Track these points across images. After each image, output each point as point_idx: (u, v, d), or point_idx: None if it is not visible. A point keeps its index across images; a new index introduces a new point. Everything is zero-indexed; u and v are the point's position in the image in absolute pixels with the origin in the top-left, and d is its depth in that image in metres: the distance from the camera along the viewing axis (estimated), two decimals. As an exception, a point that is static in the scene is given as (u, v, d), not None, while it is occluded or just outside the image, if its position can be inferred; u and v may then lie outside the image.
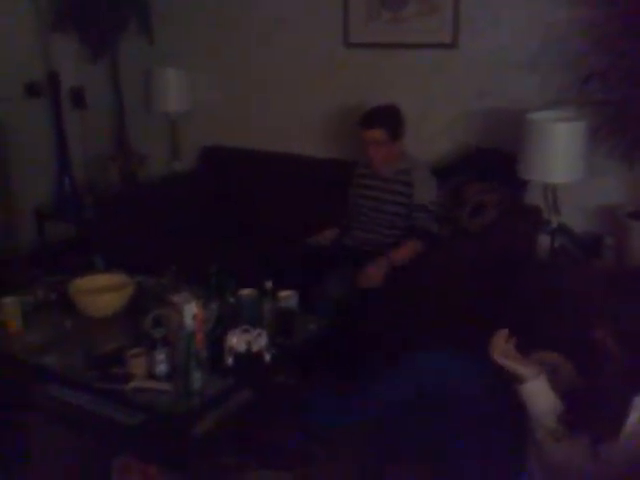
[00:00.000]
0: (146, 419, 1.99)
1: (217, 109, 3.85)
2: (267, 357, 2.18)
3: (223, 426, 2.06)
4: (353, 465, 2.14)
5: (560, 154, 2.62)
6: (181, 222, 3.34)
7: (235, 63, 3.76)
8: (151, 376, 2.08)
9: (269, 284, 2.38)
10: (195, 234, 3.28)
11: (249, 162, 3.61)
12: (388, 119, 2.85)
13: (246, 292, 2.38)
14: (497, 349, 1.73)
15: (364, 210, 3.00)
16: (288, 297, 2.39)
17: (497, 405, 1.80)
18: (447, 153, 3.20)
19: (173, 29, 3.86)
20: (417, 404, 2.02)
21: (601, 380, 1.64)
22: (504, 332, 1.75)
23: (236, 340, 2.15)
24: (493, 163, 2.90)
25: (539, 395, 1.66)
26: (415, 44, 3.24)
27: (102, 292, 2.48)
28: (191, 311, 2.17)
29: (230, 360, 2.14)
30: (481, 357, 1.77)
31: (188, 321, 2.16)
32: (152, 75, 3.84)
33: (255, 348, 2.16)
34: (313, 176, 3.37)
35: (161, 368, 2.09)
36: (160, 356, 2.08)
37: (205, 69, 3.84)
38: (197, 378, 2.03)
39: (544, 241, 2.85)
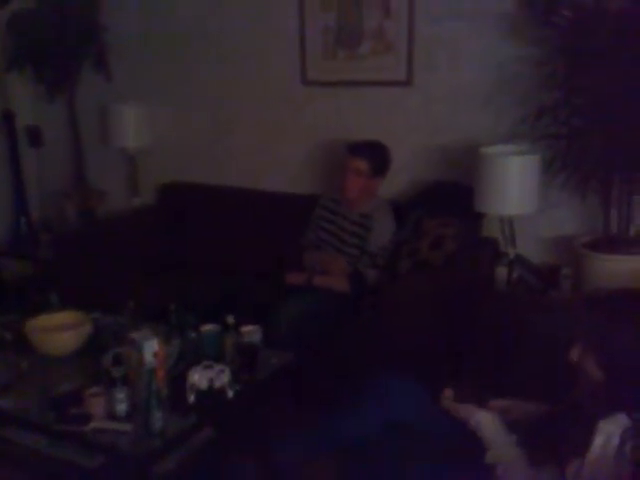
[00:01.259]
0: (106, 461, 1.93)
1: (175, 145, 3.86)
2: (230, 393, 2.14)
3: (185, 466, 2.02)
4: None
5: (515, 187, 2.68)
6: (140, 258, 3.30)
7: (193, 98, 3.78)
8: (111, 416, 2.03)
9: (231, 319, 2.35)
10: (155, 270, 3.25)
11: (208, 198, 3.60)
12: (375, 153, 2.94)
13: (208, 327, 2.36)
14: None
15: (322, 244, 3.06)
16: (251, 332, 2.36)
17: (465, 438, 1.82)
18: (407, 188, 3.25)
19: (130, 65, 3.86)
20: (385, 435, 2.01)
21: (568, 403, 1.67)
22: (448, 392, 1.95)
23: (198, 377, 2.11)
24: (451, 197, 2.96)
25: (485, 426, 1.77)
26: (371, 81, 3.30)
27: (58, 330, 2.42)
28: (151, 348, 2.14)
29: (192, 397, 2.10)
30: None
31: (148, 358, 2.12)
32: (109, 111, 3.82)
33: (217, 385, 2.12)
34: (272, 210, 3.38)
35: (121, 407, 2.03)
36: (120, 395, 2.03)
37: (163, 104, 3.83)
38: (158, 417, 1.98)
39: (502, 273, 2.90)
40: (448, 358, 1.87)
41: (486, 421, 1.79)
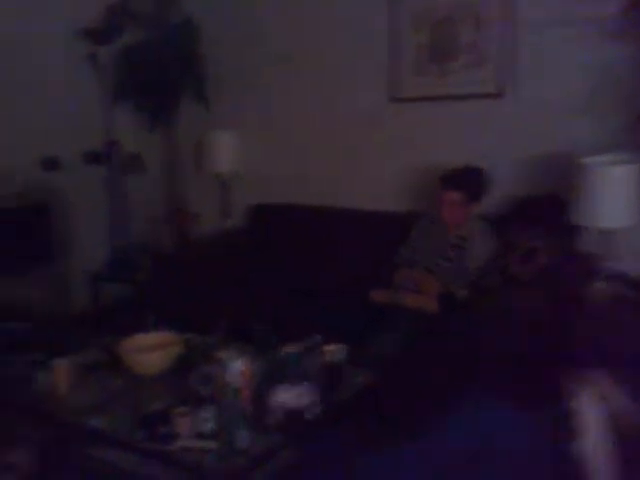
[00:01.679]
0: (192, 479, 1.95)
1: (266, 169, 3.93)
2: (314, 413, 2.12)
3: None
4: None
5: (615, 198, 2.53)
6: (232, 279, 3.36)
7: (283, 123, 3.86)
8: (197, 435, 2.05)
9: (317, 338, 2.34)
10: (245, 290, 3.30)
11: (296, 218, 3.65)
12: (469, 182, 2.87)
13: (292, 347, 2.35)
14: None
15: (416, 263, 3.01)
16: (335, 351, 2.34)
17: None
18: (500, 201, 3.14)
19: (225, 94, 4.01)
20: (474, 460, 1.91)
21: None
22: None
23: (282, 396, 2.11)
24: (546, 210, 2.83)
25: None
26: (464, 95, 3.24)
27: (150, 351, 2.48)
28: (237, 368, 2.15)
29: (276, 417, 2.09)
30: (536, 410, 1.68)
31: (234, 378, 2.13)
32: (205, 139, 3.96)
33: (302, 404, 2.11)
34: (361, 229, 3.37)
35: (207, 426, 2.05)
36: (206, 414, 2.06)
37: (255, 130, 3.95)
38: (243, 436, 1.98)
39: (599, 288, 2.72)
40: (541, 376, 1.75)
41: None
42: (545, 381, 1.68)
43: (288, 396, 2.10)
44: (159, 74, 3.99)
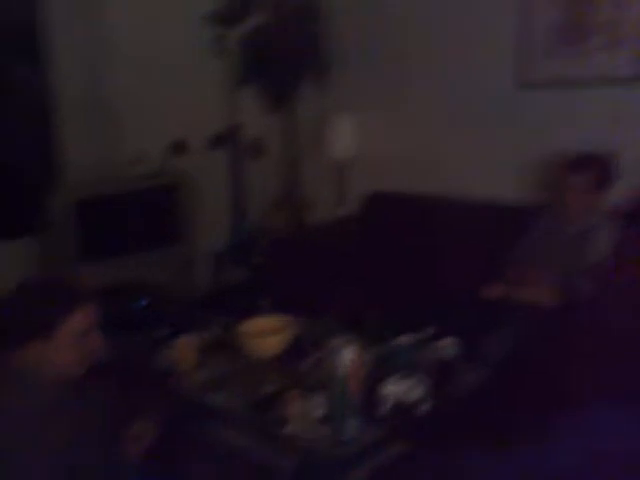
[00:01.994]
0: (301, 464, 2.00)
1: (384, 154, 3.90)
2: (424, 408, 2.10)
3: (376, 477, 2.02)
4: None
5: None
6: (345, 266, 3.39)
7: (404, 108, 3.81)
8: (308, 420, 2.09)
9: (429, 331, 2.31)
10: (358, 279, 3.30)
11: (412, 207, 3.59)
12: (597, 167, 2.75)
13: (404, 339, 2.34)
14: None
15: (533, 259, 2.90)
16: (448, 346, 2.30)
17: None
18: (630, 195, 2.94)
19: (347, 77, 4.00)
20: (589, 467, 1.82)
21: None
22: None
23: (392, 388, 2.11)
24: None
25: None
26: (599, 79, 3.05)
27: (265, 334, 2.56)
28: (347, 356, 2.16)
29: (385, 409, 2.10)
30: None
31: (344, 366, 2.15)
32: (324, 122, 3.99)
33: (411, 398, 2.10)
34: (481, 221, 3.27)
35: (318, 412, 2.09)
36: (316, 400, 2.10)
37: (375, 115, 3.91)
38: (352, 425, 2.01)
39: None
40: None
41: None
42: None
43: (399, 388, 2.09)
44: (282, 56, 4.05)
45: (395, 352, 2.32)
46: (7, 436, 1.59)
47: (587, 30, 3.04)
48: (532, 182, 3.32)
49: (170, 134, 4.13)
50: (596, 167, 2.75)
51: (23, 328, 1.69)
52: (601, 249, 2.69)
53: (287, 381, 2.28)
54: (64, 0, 3.77)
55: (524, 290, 2.75)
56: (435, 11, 3.57)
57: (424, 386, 2.12)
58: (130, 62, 3.87)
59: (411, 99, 3.77)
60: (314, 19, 4.02)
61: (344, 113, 3.93)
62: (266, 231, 4.39)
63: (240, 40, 4.14)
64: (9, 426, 1.61)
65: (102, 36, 3.84)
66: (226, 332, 2.64)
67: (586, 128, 3.07)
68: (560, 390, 2.28)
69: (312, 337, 2.52)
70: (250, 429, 2.13)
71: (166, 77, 4.00)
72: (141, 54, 3.87)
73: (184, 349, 2.48)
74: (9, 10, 3.82)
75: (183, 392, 2.35)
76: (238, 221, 4.32)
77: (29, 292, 1.75)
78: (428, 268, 3.24)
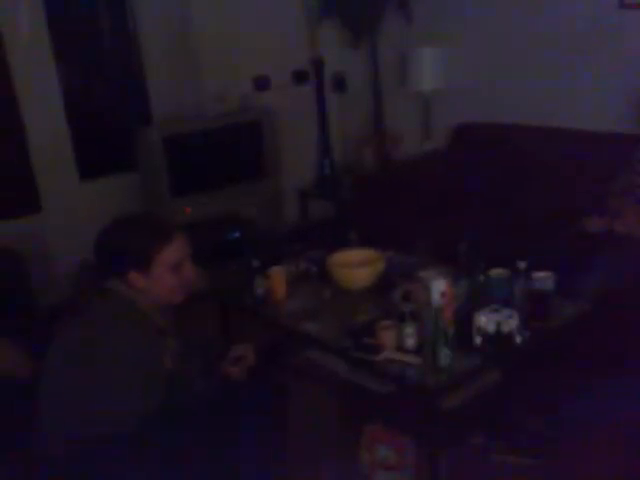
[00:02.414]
0: (396, 390, 2.04)
1: (471, 86, 3.77)
2: (518, 339, 2.09)
3: (470, 404, 2.04)
4: (607, 462, 1.96)
5: None
6: (432, 202, 3.35)
7: (491, 36, 3.65)
8: (400, 349, 2.12)
9: (523, 264, 2.27)
10: (447, 212, 3.26)
11: (502, 137, 3.47)
12: None
13: (497, 271, 2.31)
14: None
15: (636, 189, 2.75)
16: (543, 278, 2.25)
17: None
18: None
19: (429, 8, 3.86)
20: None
21: None
22: None
23: (485, 320, 2.10)
24: None
25: None
26: None
27: (356, 266, 2.59)
28: (439, 288, 2.15)
29: (479, 339, 2.10)
30: None
31: (436, 297, 2.15)
32: (407, 55, 3.90)
33: (505, 329, 2.08)
34: (575, 150, 3.13)
35: (409, 342, 2.11)
36: (409, 330, 2.11)
37: (460, 46, 3.78)
38: (445, 354, 2.02)
39: None
40: None
41: None
42: None
43: (493, 320, 2.08)
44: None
45: (490, 284, 2.30)
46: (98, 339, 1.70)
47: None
48: (631, 111, 3.14)
49: (252, 70, 4.15)
50: None
51: (122, 260, 1.78)
52: None
53: (379, 312, 2.31)
54: None
55: (627, 223, 2.63)
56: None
57: (518, 318, 2.10)
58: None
59: (496, 27, 3.59)
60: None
61: (427, 46, 3.81)
62: (352, 166, 4.38)
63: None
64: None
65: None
66: (316, 264, 2.68)
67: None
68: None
69: (402, 269, 2.52)
70: (346, 356, 2.18)
71: (246, 13, 3.98)
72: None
73: (277, 280, 2.54)
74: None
75: (278, 321, 2.43)
76: (323, 157, 4.32)
77: (125, 227, 1.83)
78: (521, 201, 3.16)
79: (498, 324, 2.08)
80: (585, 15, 3.23)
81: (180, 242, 1.83)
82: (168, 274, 1.80)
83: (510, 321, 2.08)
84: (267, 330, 2.48)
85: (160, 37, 3.98)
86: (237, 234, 3.33)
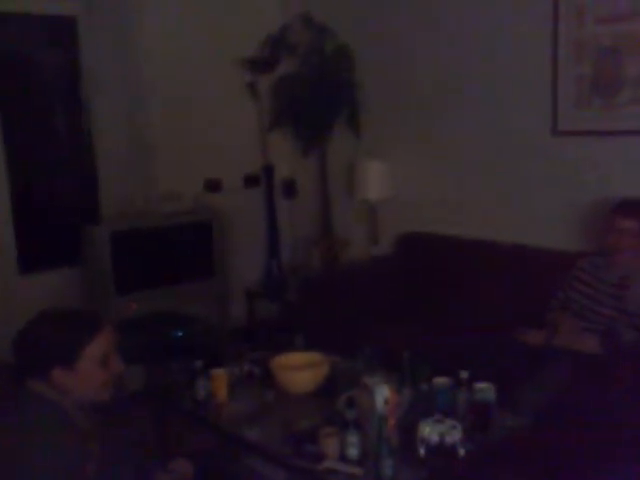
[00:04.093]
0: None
1: (416, 196, 3.94)
2: (461, 452, 2.08)
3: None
4: None
5: None
6: (378, 306, 3.40)
7: (434, 152, 3.86)
8: (343, 458, 2.08)
9: (465, 374, 2.30)
10: (391, 318, 3.31)
11: (445, 248, 3.61)
12: None
13: (440, 380, 2.33)
14: None
15: (573, 304, 2.88)
16: (485, 389, 2.28)
17: None
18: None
19: (376, 122, 4.07)
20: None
21: None
22: None
23: (429, 430, 2.09)
24: None
25: None
26: (631, 131, 3.08)
27: (300, 369, 2.56)
28: (383, 395, 2.15)
29: (422, 451, 2.08)
30: None
31: (380, 405, 2.14)
32: (355, 166, 4.06)
33: (449, 441, 2.07)
34: (513, 265, 3.27)
35: (352, 451, 2.07)
36: (352, 438, 2.08)
37: (405, 158, 3.97)
38: (388, 465, 1.98)
39: None
40: None
41: None
42: None
43: (436, 430, 2.07)
44: (314, 103, 4.13)
45: (432, 393, 2.31)
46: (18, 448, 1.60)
47: (617, 83, 3.08)
48: (567, 227, 3.33)
49: (205, 173, 4.23)
50: None
51: (45, 355, 1.69)
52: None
53: (322, 417, 2.27)
54: (101, 43, 3.93)
55: (564, 337, 2.72)
56: (470, 60, 3.63)
57: (461, 429, 2.10)
58: (166, 102, 3.99)
59: (441, 144, 3.81)
60: (347, 67, 4.10)
61: (374, 158, 3.99)
62: (299, 268, 4.43)
63: (272, 86, 4.26)
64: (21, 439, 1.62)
65: (139, 78, 3.98)
66: (260, 366, 2.65)
67: (622, 176, 3.09)
68: (605, 440, 2.25)
69: (346, 375, 2.51)
70: (286, 465, 2.12)
71: (201, 118, 4.12)
72: (176, 95, 4.00)
73: (219, 381, 2.48)
74: (53, 55, 4.00)
75: (219, 425, 2.35)
76: (271, 258, 4.38)
77: (49, 321, 1.74)
78: (461, 310, 3.23)
79: (442, 435, 2.08)
80: (522, 139, 3.46)
81: (108, 334, 1.76)
82: (95, 368, 1.72)
83: (454, 432, 2.08)
84: (207, 434, 2.40)
85: (114, 135, 4.05)
86: (181, 333, 3.29)
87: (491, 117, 3.57)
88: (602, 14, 3.09)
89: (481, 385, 2.29)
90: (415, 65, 3.87)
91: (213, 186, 4.28)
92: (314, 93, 4.12)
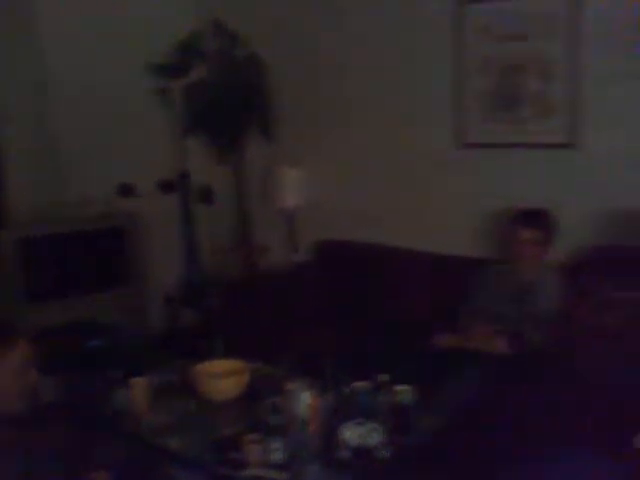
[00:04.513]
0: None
1: (333, 204, 4.00)
2: (382, 453, 2.13)
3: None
4: None
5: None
6: (298, 312, 3.43)
7: (349, 160, 3.94)
8: (266, 464, 2.09)
9: (384, 377, 2.36)
10: (311, 324, 3.34)
11: (362, 256, 3.69)
12: (545, 221, 2.92)
13: (361, 384, 2.38)
14: None
15: (481, 310, 3.01)
16: (404, 392, 2.35)
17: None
18: (570, 252, 3.13)
19: (291, 129, 4.11)
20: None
21: None
22: None
23: (350, 433, 2.13)
24: (623, 261, 2.80)
25: None
26: (532, 144, 3.26)
27: (220, 377, 2.55)
28: (306, 400, 2.18)
29: (343, 454, 2.12)
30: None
31: (303, 410, 2.17)
32: (271, 173, 4.07)
33: (369, 443, 2.12)
34: (427, 272, 3.39)
35: (276, 456, 2.09)
36: (275, 444, 2.09)
37: (321, 166, 4.03)
38: (312, 470, 2.01)
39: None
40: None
41: None
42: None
43: (357, 433, 2.12)
44: (226, 110, 4.11)
45: (353, 397, 2.35)
46: None
47: (519, 99, 3.26)
48: (473, 236, 3.48)
49: (118, 177, 4.13)
50: (545, 221, 2.92)
51: None
52: (547, 300, 2.84)
53: (245, 424, 2.27)
54: (3, 46, 3.76)
55: (475, 340, 2.85)
56: (377, 72, 3.72)
57: (382, 431, 2.15)
58: (77, 105, 3.88)
59: (357, 155, 3.90)
60: (258, 74, 4.11)
61: (290, 165, 4.02)
62: (219, 275, 4.39)
63: (184, 91, 4.20)
64: None
65: (44, 80, 3.84)
66: (180, 374, 2.61)
67: (524, 187, 3.27)
68: (517, 437, 2.36)
69: (268, 381, 2.52)
70: (209, 473, 2.10)
71: (113, 122, 4.02)
72: (88, 99, 3.90)
73: (138, 391, 2.43)
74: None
75: (139, 434, 2.31)
76: (190, 264, 4.32)
77: None
78: (378, 315, 3.31)
79: (363, 438, 2.12)
80: (428, 150, 3.59)
81: (23, 346, 1.77)
82: (10, 380, 1.73)
83: (374, 434, 2.13)
84: (126, 445, 2.34)
85: (23, 138, 3.88)
86: (98, 342, 3.20)
87: (401, 130, 3.68)
88: (505, 32, 3.26)
89: (401, 388, 2.36)
90: (326, 76, 3.94)
91: (126, 191, 4.18)
92: (226, 100, 4.11)
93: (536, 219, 2.91)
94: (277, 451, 2.09)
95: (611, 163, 3.02)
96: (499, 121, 3.35)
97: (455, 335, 2.92)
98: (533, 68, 3.20)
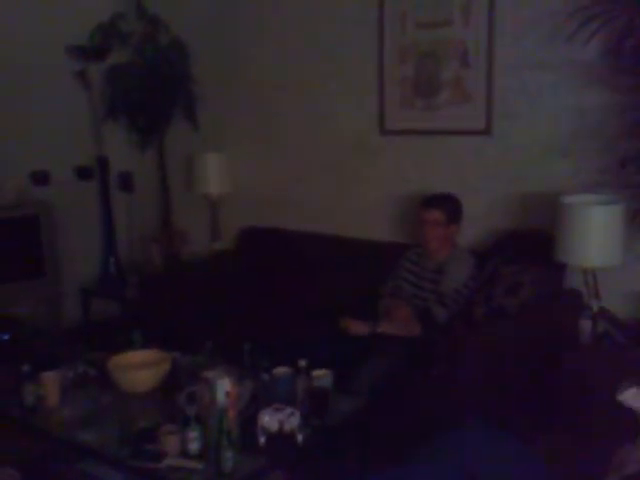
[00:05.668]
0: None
1: (256, 191, 3.98)
2: (300, 437, 2.14)
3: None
4: None
5: (597, 238, 2.59)
6: (220, 300, 3.39)
7: (272, 146, 3.93)
8: (184, 454, 2.06)
9: (303, 362, 2.37)
10: (232, 312, 3.32)
11: (285, 242, 3.69)
12: (447, 203, 3.03)
13: (280, 370, 2.38)
14: None
15: (399, 292, 3.08)
16: (322, 376, 2.37)
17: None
18: (485, 236, 3.22)
19: (214, 115, 4.06)
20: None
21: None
22: None
23: (268, 419, 2.13)
24: (531, 245, 2.91)
25: None
26: (449, 130, 3.32)
27: (138, 368, 2.50)
28: (224, 388, 2.17)
29: (262, 439, 2.12)
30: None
31: (220, 398, 2.15)
32: (194, 159, 4.01)
33: (287, 428, 2.13)
34: (348, 257, 3.42)
35: (193, 446, 2.07)
36: (192, 434, 2.07)
37: (244, 152, 4.00)
38: (229, 457, 2.00)
39: (586, 326, 2.79)
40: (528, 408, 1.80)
41: None
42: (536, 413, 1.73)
43: (275, 419, 2.12)
44: (148, 94, 4.03)
45: (272, 383, 2.35)
46: None
47: (435, 85, 3.31)
48: (394, 220, 3.54)
49: (30, 164, 3.96)
50: (447, 204, 3.03)
51: None
52: (455, 278, 2.92)
53: (163, 415, 2.23)
54: None
55: (387, 325, 2.90)
56: (297, 59, 3.71)
57: (300, 416, 2.16)
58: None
59: (280, 141, 3.88)
60: (181, 59, 4.05)
61: (213, 151, 3.97)
62: (139, 265, 4.29)
63: (104, 74, 4.09)
64: None
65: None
66: (96, 366, 2.54)
67: (442, 172, 3.34)
68: (433, 415, 2.42)
69: (187, 370, 2.49)
70: (124, 466, 2.06)
71: (26, 105, 3.84)
72: (1, 82, 3.71)
73: (49, 385, 2.36)
74: None
75: (49, 430, 2.23)
76: (108, 254, 4.21)
77: None
78: (300, 301, 3.32)
79: (281, 422, 2.13)
80: (351, 136, 3.62)
81: None
82: None
83: (292, 419, 2.14)
84: (37, 442, 2.27)
85: None
86: (6, 336, 3.08)
87: (325, 117, 3.69)
88: (421, 20, 3.31)
89: (319, 372, 2.38)
90: (250, 63, 3.90)
91: (40, 178, 4.02)
92: (148, 84, 4.02)
93: (436, 201, 3.02)
94: (194, 441, 2.07)
95: (525, 149, 3.12)
96: (417, 108, 3.39)
97: (365, 321, 2.93)
98: (450, 55, 3.25)
